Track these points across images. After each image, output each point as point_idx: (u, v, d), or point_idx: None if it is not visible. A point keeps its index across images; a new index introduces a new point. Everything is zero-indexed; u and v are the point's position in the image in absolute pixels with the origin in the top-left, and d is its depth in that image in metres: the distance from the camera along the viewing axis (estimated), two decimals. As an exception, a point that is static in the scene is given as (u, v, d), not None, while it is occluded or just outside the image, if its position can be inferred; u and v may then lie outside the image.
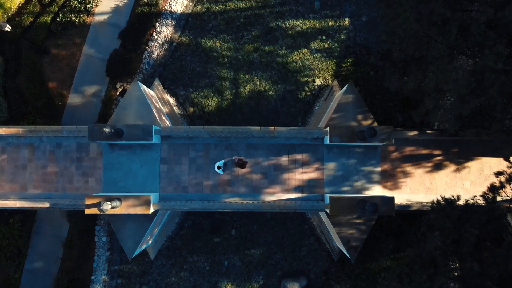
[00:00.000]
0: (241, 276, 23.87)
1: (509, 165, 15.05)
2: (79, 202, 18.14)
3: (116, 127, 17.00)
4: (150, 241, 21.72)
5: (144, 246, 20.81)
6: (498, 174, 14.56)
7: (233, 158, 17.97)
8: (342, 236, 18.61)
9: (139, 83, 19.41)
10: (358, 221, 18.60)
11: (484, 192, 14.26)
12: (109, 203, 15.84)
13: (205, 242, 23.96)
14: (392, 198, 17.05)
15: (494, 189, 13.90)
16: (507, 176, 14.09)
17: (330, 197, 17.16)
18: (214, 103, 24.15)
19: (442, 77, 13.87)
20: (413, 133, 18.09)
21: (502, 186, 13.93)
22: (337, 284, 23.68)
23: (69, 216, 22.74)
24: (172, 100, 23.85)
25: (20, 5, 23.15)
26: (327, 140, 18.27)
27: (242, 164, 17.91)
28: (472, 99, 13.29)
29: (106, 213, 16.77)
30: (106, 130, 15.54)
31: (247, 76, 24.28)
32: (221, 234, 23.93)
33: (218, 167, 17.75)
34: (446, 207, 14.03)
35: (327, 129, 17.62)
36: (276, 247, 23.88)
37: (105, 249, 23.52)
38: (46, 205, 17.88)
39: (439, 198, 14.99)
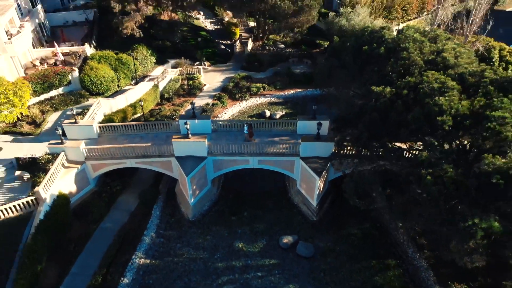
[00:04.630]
0: (250, 239, 32.99)
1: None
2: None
3: (195, 113, 34.94)
4: (193, 200, 33.55)
5: (192, 200, 32.89)
6: None
7: (247, 124, 34.20)
8: (312, 167, 32.00)
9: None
10: (320, 161, 32.51)
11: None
12: (187, 126, 31.69)
13: (225, 220, 34.56)
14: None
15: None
16: None
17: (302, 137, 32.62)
18: None
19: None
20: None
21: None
22: (321, 242, 32.43)
23: (141, 194, 35.17)
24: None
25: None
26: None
27: (250, 132, 34.09)
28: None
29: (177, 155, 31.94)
30: (190, 111, 33.69)
31: None
32: (237, 215, 34.89)
33: (249, 126, 33.87)
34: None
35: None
36: (275, 222, 34.25)
37: (157, 217, 34.20)
38: (148, 143, 32.82)
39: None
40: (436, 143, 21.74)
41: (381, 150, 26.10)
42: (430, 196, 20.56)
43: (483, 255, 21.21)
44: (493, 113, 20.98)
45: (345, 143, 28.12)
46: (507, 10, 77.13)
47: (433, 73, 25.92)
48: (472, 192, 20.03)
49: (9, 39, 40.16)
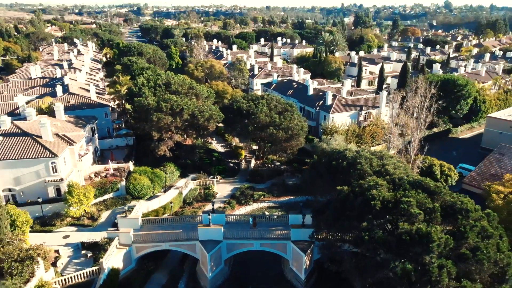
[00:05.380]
0: (254, 305, 42.62)
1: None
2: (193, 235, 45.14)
3: (214, 210, 47.92)
4: (211, 274, 44.30)
5: (210, 274, 43.83)
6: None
7: (252, 217, 46.62)
8: (299, 247, 43.66)
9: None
10: (305, 243, 44.28)
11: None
12: (210, 216, 44.41)
13: (235, 292, 44.65)
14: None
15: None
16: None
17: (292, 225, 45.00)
18: None
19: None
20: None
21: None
22: (308, 308, 42.15)
23: (170, 272, 45.81)
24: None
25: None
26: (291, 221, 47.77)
27: (254, 222, 46.50)
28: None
29: (200, 238, 44.33)
30: (210, 209, 46.79)
31: None
32: (244, 288, 45.12)
33: (254, 218, 46.30)
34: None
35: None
36: (273, 294, 44.30)
37: (182, 288, 44.38)
38: (179, 230, 44.95)
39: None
40: (372, 218, 34.49)
41: (343, 230, 38.59)
42: (369, 251, 32.43)
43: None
44: (404, 199, 34.36)
45: (320, 226, 40.63)
46: (460, 137, 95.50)
47: (373, 178, 40.04)
48: (394, 246, 32.08)
49: (79, 158, 55.54)
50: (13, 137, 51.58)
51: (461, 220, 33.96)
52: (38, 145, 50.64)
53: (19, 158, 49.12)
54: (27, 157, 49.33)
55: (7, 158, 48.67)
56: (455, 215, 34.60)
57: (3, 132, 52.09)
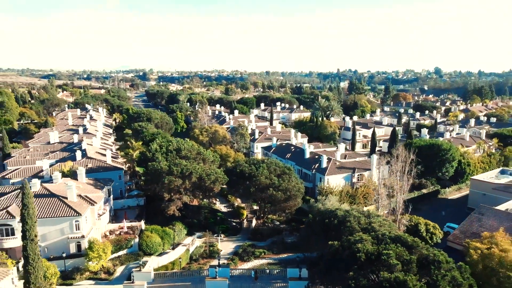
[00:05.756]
0: None
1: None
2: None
3: (220, 264, 53.18)
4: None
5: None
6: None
7: (254, 271, 51.62)
8: (296, 297, 48.42)
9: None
10: (302, 294, 49.03)
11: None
12: (216, 270, 49.61)
13: None
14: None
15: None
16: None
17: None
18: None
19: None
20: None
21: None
22: None
23: (179, 323, 49.94)
24: None
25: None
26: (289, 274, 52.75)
27: (256, 276, 51.49)
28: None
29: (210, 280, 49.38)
30: (217, 264, 52.15)
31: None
32: (247, 338, 48.96)
33: (255, 271, 51.28)
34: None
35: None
36: None
37: None
38: (188, 283, 49.87)
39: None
40: (357, 269, 40.14)
41: (334, 280, 43.95)
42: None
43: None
44: (385, 251, 40.31)
45: (314, 277, 45.89)
46: (449, 198, 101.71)
47: (359, 234, 46.14)
48: (376, 293, 37.49)
49: (98, 217, 61.66)
50: (42, 198, 58.22)
51: (434, 270, 39.62)
52: (64, 205, 57.10)
53: (47, 217, 55.36)
54: (55, 216, 55.58)
55: (38, 217, 54.77)
56: (429, 266, 40.30)
57: (33, 194, 58.72)
